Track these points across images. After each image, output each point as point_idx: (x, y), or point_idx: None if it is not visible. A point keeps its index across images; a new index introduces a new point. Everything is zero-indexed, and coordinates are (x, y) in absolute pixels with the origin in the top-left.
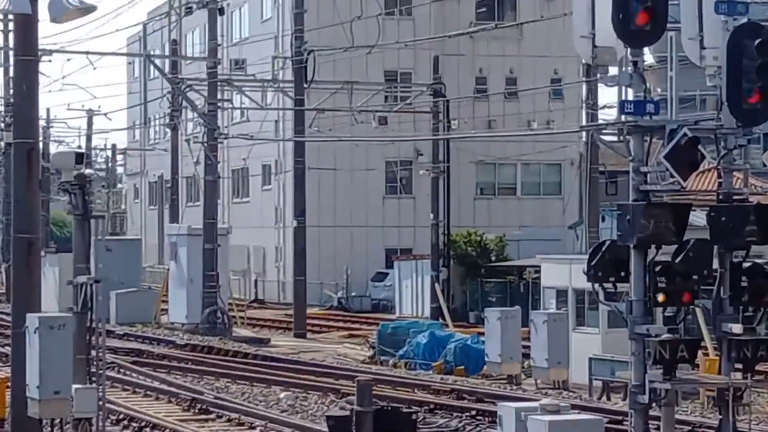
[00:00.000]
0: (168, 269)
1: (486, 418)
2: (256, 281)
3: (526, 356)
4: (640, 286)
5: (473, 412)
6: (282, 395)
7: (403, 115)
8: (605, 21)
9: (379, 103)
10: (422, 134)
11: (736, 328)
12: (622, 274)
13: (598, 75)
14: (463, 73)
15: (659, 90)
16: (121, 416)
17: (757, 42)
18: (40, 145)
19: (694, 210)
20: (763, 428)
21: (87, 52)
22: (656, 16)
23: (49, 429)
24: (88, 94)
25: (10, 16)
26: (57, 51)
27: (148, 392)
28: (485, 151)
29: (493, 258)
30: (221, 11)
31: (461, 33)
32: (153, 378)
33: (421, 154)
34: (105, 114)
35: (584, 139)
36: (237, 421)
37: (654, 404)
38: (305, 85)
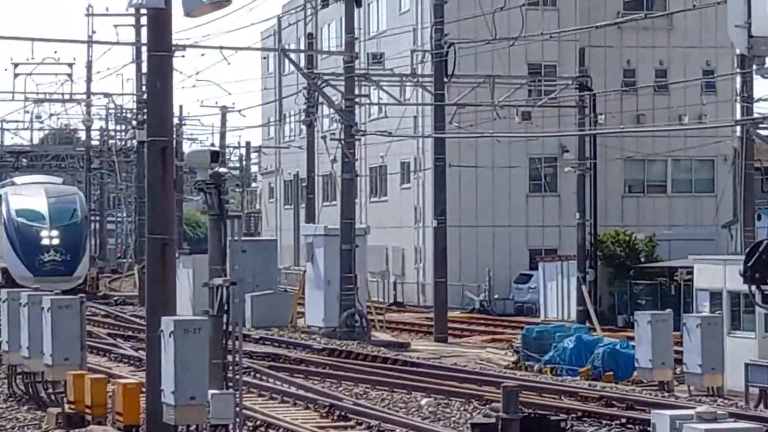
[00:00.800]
0: (304, 271)
1: (637, 427)
2: (394, 283)
3: (678, 362)
4: None
5: (623, 420)
6: (423, 401)
7: (548, 109)
8: (762, 10)
9: (523, 97)
10: (567, 129)
11: None
12: None
13: (754, 66)
14: (611, 65)
15: None
16: (258, 422)
17: None
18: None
19: None
20: None
21: (221, 47)
22: None
23: None
24: (221, 90)
25: (143, 11)
26: (190, 46)
27: (285, 398)
28: (634, 147)
29: (642, 259)
30: (358, 3)
31: (608, 23)
32: (290, 383)
33: (567, 151)
34: (239, 111)
35: (739, 133)
36: (377, 428)
37: None
38: (445, 80)
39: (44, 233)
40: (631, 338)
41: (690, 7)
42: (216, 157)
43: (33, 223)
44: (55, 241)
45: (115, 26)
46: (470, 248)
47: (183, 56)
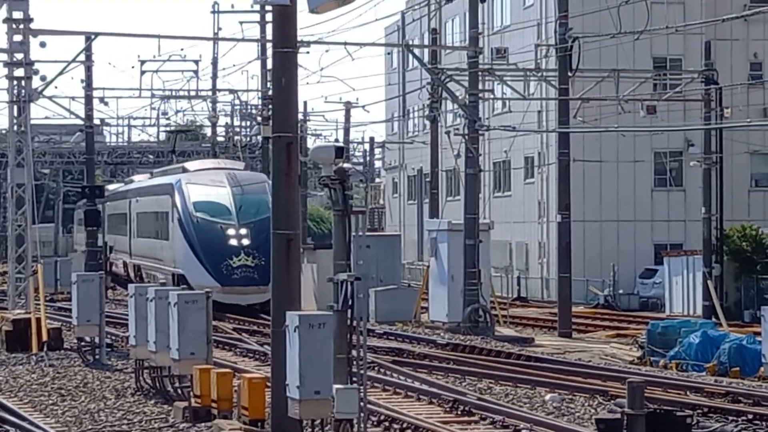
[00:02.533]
0: (428, 266)
1: (764, 423)
2: (518, 278)
3: None
4: None
5: (750, 416)
6: (547, 397)
7: (673, 103)
8: None
9: (648, 91)
10: (693, 123)
11: None
12: None
13: None
14: (737, 58)
15: None
16: (382, 417)
17: None
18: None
19: None
20: None
21: (345, 43)
22: None
23: (309, 430)
24: (345, 86)
25: (268, 8)
26: (315, 42)
27: (409, 393)
28: (761, 141)
29: None
30: None
31: (735, 16)
32: (414, 378)
33: (692, 145)
34: (363, 106)
35: None
36: (501, 423)
37: None
38: (570, 74)
39: (231, 231)
40: (758, 333)
41: None
42: (340, 152)
43: (216, 220)
44: (245, 242)
45: (241, 23)
46: (594, 243)
47: (308, 53)
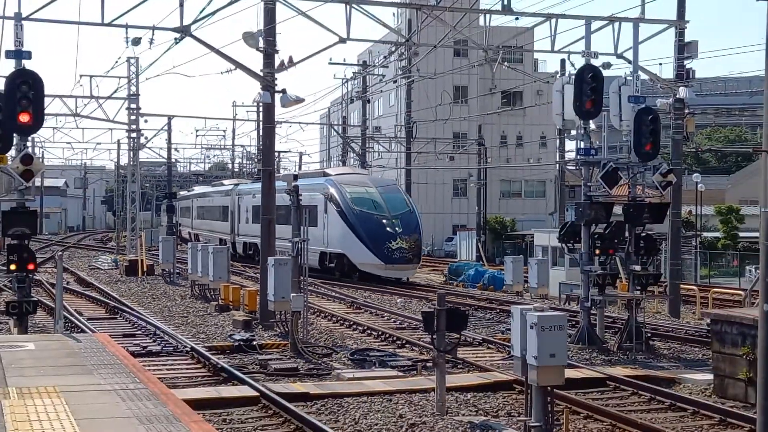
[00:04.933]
0: None
1: (503, 312)
2: None
3: (525, 281)
4: (587, 245)
5: (498, 311)
6: (398, 300)
7: (462, 155)
8: (568, 106)
9: (449, 148)
10: (472, 165)
11: (637, 267)
12: (577, 238)
13: (565, 134)
14: (494, 134)
15: (597, 142)
16: (315, 310)
17: (649, 117)
18: None
19: (616, 206)
20: (650, 321)
21: (300, 123)
22: (596, 103)
23: (278, 315)
24: (299, 143)
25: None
26: (284, 122)
27: (329, 298)
28: (505, 175)
29: (509, 230)
30: None
31: (492, 112)
32: (333, 291)
33: (471, 176)
34: (308, 154)
35: (557, 167)
36: (376, 312)
37: (593, 307)
38: (412, 139)
39: (387, 222)
40: (502, 269)
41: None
42: (295, 178)
43: (374, 212)
44: (398, 229)
45: (247, 111)
46: (428, 224)
47: (281, 126)
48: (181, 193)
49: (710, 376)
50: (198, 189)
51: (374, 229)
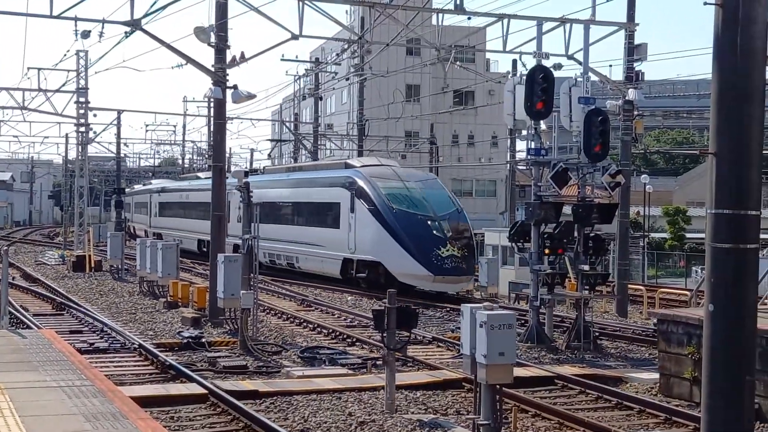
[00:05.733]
0: None
1: (454, 312)
2: None
3: (477, 280)
4: (536, 245)
5: (449, 309)
6: (349, 298)
7: (414, 153)
8: (519, 107)
9: (402, 147)
10: (425, 164)
11: (585, 267)
12: (527, 238)
13: (516, 134)
14: (446, 133)
15: (548, 143)
16: (266, 307)
17: (599, 119)
18: None
19: (565, 206)
20: (598, 320)
21: (251, 119)
22: (547, 104)
23: (228, 312)
24: (251, 140)
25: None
26: (235, 117)
27: (280, 295)
28: (456, 174)
29: None
30: None
31: (444, 111)
32: (282, 288)
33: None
34: (259, 150)
35: (509, 167)
36: (326, 311)
37: (542, 306)
38: (364, 137)
39: (434, 224)
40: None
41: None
42: (246, 174)
43: (417, 212)
44: (448, 233)
45: (198, 107)
46: None
47: (231, 122)
48: (136, 187)
49: (656, 376)
50: (158, 183)
51: (419, 232)
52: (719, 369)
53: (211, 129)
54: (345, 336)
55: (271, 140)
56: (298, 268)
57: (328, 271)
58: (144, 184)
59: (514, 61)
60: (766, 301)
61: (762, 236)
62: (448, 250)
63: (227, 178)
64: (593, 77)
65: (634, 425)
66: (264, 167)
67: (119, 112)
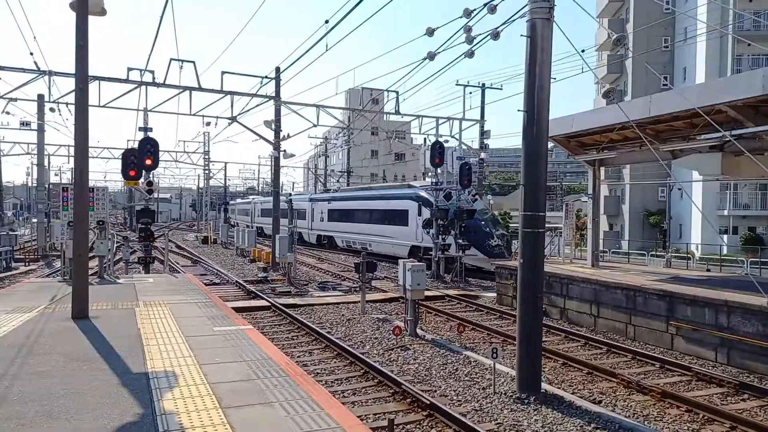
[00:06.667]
0: None
1: (396, 264)
2: None
3: None
4: (436, 229)
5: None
6: (342, 257)
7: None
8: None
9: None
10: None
11: (460, 241)
12: (432, 226)
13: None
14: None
15: (441, 179)
16: (300, 262)
17: (466, 167)
18: None
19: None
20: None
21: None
22: (442, 160)
23: (281, 265)
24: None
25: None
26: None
27: (305, 254)
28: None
29: None
30: None
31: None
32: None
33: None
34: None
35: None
36: (335, 261)
37: (439, 260)
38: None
39: (482, 224)
40: None
41: None
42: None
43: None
44: (491, 229)
45: (266, 159)
46: None
47: (284, 168)
48: (238, 200)
49: (494, 294)
50: (248, 199)
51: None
52: (525, 291)
53: (273, 171)
54: (341, 276)
55: (304, 179)
56: (371, 251)
57: (399, 253)
58: (244, 198)
59: (425, 138)
60: (549, 257)
61: (547, 225)
62: (495, 241)
63: (290, 195)
64: (464, 146)
65: (484, 318)
66: (338, 188)
67: (225, 163)
